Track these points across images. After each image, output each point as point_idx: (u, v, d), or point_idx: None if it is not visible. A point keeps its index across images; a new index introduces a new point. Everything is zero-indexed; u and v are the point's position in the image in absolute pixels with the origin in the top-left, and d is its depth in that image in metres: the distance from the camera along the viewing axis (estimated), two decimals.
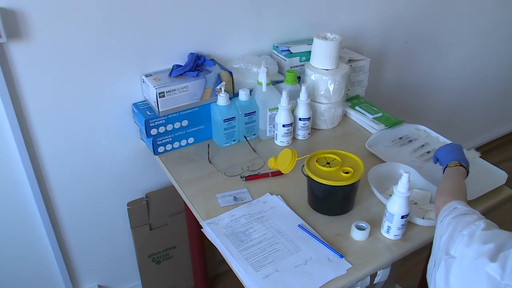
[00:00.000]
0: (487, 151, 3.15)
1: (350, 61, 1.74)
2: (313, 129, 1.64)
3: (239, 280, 1.08)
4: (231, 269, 1.11)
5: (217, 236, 1.18)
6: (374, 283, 1.18)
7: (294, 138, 1.59)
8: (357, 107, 1.71)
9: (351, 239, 1.18)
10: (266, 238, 1.17)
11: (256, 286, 1.04)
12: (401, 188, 1.11)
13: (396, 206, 1.12)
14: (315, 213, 1.26)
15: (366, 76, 1.81)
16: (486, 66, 2.78)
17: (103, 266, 1.85)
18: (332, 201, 1.23)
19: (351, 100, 1.78)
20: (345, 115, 1.73)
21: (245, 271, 1.08)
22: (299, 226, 1.20)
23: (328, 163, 1.24)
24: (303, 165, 1.25)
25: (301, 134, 1.58)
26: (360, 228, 1.17)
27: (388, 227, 1.16)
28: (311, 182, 1.22)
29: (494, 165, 1.46)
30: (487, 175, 1.41)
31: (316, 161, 1.24)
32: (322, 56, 1.57)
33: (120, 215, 1.75)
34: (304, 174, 1.24)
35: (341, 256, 1.12)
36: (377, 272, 1.15)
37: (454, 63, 2.54)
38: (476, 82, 2.78)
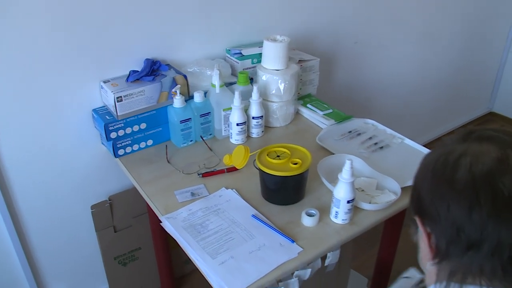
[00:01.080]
0: (434, 147, 3.27)
1: (300, 61, 1.84)
2: (266, 127, 1.72)
3: (205, 279, 1.13)
4: (197, 269, 1.16)
5: (175, 229, 1.24)
6: (325, 265, 1.26)
7: (248, 136, 1.66)
8: (308, 105, 1.81)
9: (302, 225, 1.26)
10: (222, 228, 1.24)
11: (213, 272, 1.11)
12: (345, 175, 1.19)
13: (341, 191, 1.21)
14: (269, 204, 1.34)
15: (316, 75, 1.90)
16: (430, 64, 2.92)
17: (70, 270, 1.88)
18: (283, 191, 1.31)
19: (303, 98, 1.87)
20: (297, 113, 1.82)
21: (202, 259, 1.14)
22: (253, 216, 1.28)
23: (278, 156, 1.32)
24: (255, 159, 1.32)
25: (255, 132, 1.66)
26: (310, 215, 1.25)
27: (336, 212, 1.25)
28: (262, 174, 1.30)
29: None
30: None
31: (267, 155, 1.32)
32: (272, 57, 1.66)
33: (84, 219, 1.79)
34: (256, 167, 1.32)
35: (292, 241, 1.20)
36: (327, 254, 1.23)
37: (400, 61, 2.67)
38: (422, 80, 2.92)
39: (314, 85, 1.92)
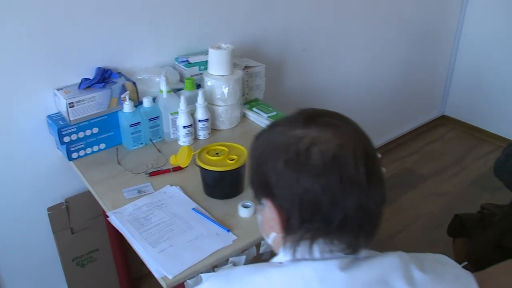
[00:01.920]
0: (387, 151, 3.45)
1: (246, 67, 1.95)
2: (213, 130, 1.83)
3: None
4: None
5: (120, 223, 1.34)
6: (260, 252, 1.37)
7: (196, 138, 1.77)
8: (254, 108, 1.92)
9: (239, 217, 1.37)
10: (164, 221, 1.34)
11: (152, 259, 1.21)
12: None
13: None
14: (209, 199, 1.44)
15: (263, 80, 2.02)
16: (379, 70, 3.08)
17: (28, 272, 1.95)
18: (221, 186, 1.42)
19: (250, 102, 1.99)
20: (244, 116, 1.93)
21: (143, 248, 1.24)
22: (193, 209, 1.38)
23: (217, 153, 1.43)
24: (195, 157, 1.43)
25: (201, 134, 1.77)
26: (245, 207, 1.36)
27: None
28: (202, 171, 1.41)
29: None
30: None
31: (207, 153, 1.43)
32: (216, 64, 1.77)
33: (42, 222, 1.86)
34: (196, 165, 1.42)
35: (228, 231, 1.30)
36: (261, 242, 1.34)
37: (348, 68, 2.82)
38: (372, 86, 3.07)
39: (261, 90, 2.03)
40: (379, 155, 0.82)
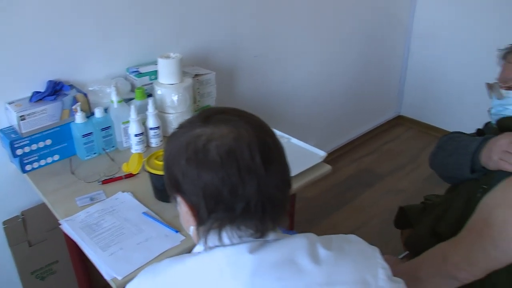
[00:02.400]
0: (345, 152, 3.55)
1: (196, 75, 2.01)
2: (166, 137, 1.88)
3: None
4: None
5: (73, 230, 1.37)
6: None
7: (148, 146, 1.82)
8: None
9: None
10: (115, 226, 1.38)
11: (102, 262, 1.25)
12: None
13: None
14: (160, 203, 1.49)
15: (214, 87, 2.08)
16: (333, 72, 3.18)
17: None
18: None
19: (202, 109, 2.04)
20: None
21: (94, 252, 1.28)
22: (144, 213, 1.43)
23: None
24: (144, 163, 1.48)
25: (154, 141, 1.81)
26: None
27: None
28: (151, 176, 1.46)
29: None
30: (307, 155, 1.72)
31: (155, 159, 1.48)
32: (166, 73, 1.83)
33: None
34: (145, 170, 1.47)
35: (176, 231, 1.35)
36: None
37: (302, 72, 2.91)
38: (327, 89, 3.17)
39: (212, 96, 2.09)
40: (281, 143, 0.89)
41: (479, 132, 1.52)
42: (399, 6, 3.55)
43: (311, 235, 0.89)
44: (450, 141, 1.50)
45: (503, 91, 1.36)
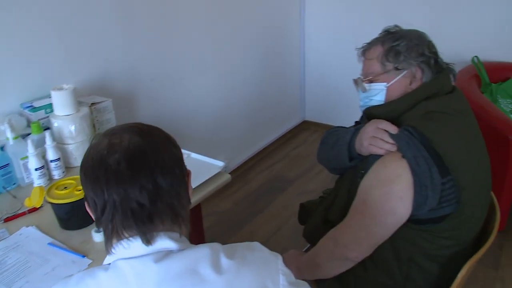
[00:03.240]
0: (256, 162, 3.68)
1: (93, 104, 2.04)
2: (68, 168, 1.89)
3: None
4: None
5: None
6: None
7: (51, 179, 1.82)
8: None
9: (94, 242, 1.45)
10: (20, 261, 1.39)
11: None
12: None
13: None
14: (65, 231, 1.51)
15: (112, 114, 2.12)
16: (234, 86, 3.31)
17: None
18: (74, 217, 1.49)
19: None
20: None
21: None
22: (49, 244, 1.44)
23: (65, 187, 1.51)
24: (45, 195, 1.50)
25: (56, 173, 1.82)
26: (98, 232, 1.45)
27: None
28: (53, 206, 1.48)
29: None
30: (206, 167, 1.80)
31: (56, 189, 1.50)
32: (60, 104, 1.85)
33: None
34: (47, 202, 1.49)
35: (83, 256, 1.38)
36: None
37: (201, 90, 3.00)
38: (228, 104, 3.29)
39: (112, 123, 2.13)
40: (175, 154, 0.95)
41: (357, 124, 1.67)
42: (289, 21, 3.76)
43: (215, 245, 0.91)
44: (330, 135, 1.65)
45: (366, 85, 1.52)
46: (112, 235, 0.90)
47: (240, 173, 3.51)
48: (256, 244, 0.97)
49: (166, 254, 0.87)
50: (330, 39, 3.77)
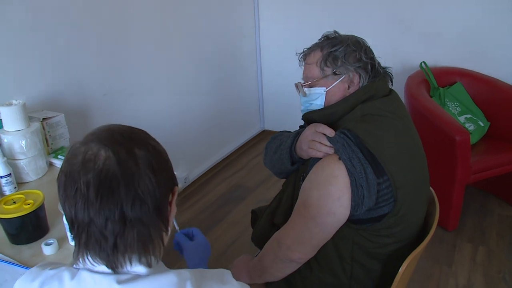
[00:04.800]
0: (216, 173, 3.72)
1: (45, 119, 2.05)
2: (20, 183, 1.89)
3: None
4: None
5: None
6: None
7: (2, 195, 1.82)
8: (59, 156, 2.02)
9: (45, 255, 1.47)
10: None
11: None
12: None
13: None
14: (15, 246, 1.52)
15: (65, 129, 2.13)
16: (190, 103, 3.36)
17: None
18: (23, 231, 1.50)
19: (56, 151, 2.08)
20: (51, 165, 2.02)
21: None
22: None
23: (14, 202, 1.51)
24: None
25: (7, 189, 1.82)
26: (48, 244, 1.46)
27: (70, 235, 1.47)
28: (0, 221, 1.48)
29: None
30: None
31: (4, 204, 1.51)
32: (10, 120, 1.85)
33: None
34: None
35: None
36: None
37: (155, 105, 3.03)
38: (186, 117, 3.33)
39: (65, 137, 2.14)
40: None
41: (301, 128, 1.72)
42: (245, 32, 3.83)
43: (184, 273, 0.90)
44: (274, 140, 1.70)
45: (306, 89, 1.58)
46: (79, 250, 0.89)
47: (200, 183, 3.54)
48: (227, 276, 0.95)
49: (132, 278, 0.87)
50: (286, 49, 3.83)
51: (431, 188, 1.62)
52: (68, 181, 0.87)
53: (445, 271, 2.62)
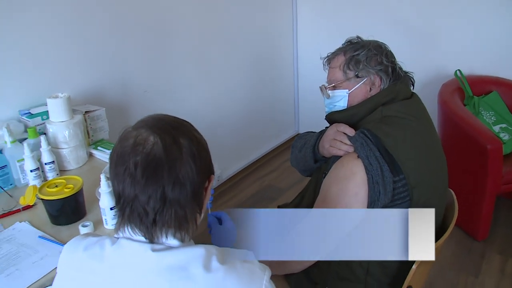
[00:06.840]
0: (249, 172, 3.81)
1: (87, 112, 2.18)
2: (62, 171, 2.03)
3: None
4: None
5: None
6: None
7: (45, 180, 1.95)
8: (99, 147, 2.15)
9: None
10: (11, 251, 1.52)
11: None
12: (103, 187, 1.54)
13: (104, 201, 1.55)
14: (55, 226, 1.64)
15: (105, 122, 2.26)
16: (228, 103, 3.45)
17: None
18: (63, 213, 1.62)
19: (96, 143, 2.22)
20: (91, 155, 2.15)
21: None
22: (40, 237, 1.57)
23: (56, 186, 1.64)
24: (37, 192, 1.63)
25: (50, 175, 1.95)
26: (85, 226, 1.58)
27: (105, 219, 1.59)
28: (44, 203, 1.61)
29: None
30: None
31: (47, 187, 1.64)
32: (56, 111, 1.99)
33: None
34: (39, 198, 1.62)
35: None
36: None
37: (195, 103, 3.14)
38: (223, 117, 3.42)
39: (105, 130, 2.27)
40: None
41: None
42: (283, 35, 3.91)
43: (211, 248, 0.97)
44: (299, 139, 1.78)
45: (329, 92, 1.65)
46: (122, 221, 1.01)
47: (232, 183, 3.63)
48: (249, 255, 1.02)
49: (166, 248, 0.97)
50: (323, 53, 3.90)
51: (451, 191, 1.66)
52: (119, 161, 0.98)
53: (471, 281, 2.61)
